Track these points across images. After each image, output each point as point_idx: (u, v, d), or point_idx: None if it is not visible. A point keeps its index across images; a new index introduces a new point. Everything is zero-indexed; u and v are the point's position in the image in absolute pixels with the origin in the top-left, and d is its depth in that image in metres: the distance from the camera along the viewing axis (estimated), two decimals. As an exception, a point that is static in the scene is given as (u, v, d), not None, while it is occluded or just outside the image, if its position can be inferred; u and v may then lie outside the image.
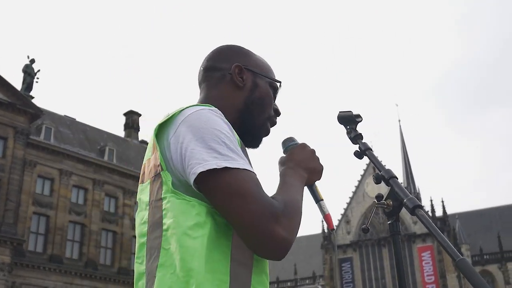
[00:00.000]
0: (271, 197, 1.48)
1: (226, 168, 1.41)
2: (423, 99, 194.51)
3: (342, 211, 71.20)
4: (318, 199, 1.60)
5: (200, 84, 1.85)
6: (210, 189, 1.43)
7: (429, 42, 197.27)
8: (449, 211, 71.69)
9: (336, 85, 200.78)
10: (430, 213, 66.71)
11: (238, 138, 1.56)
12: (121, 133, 52.59)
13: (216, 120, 1.50)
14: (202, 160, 1.42)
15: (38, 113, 38.81)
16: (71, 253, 39.32)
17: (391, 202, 1.56)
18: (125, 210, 43.98)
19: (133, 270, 1.64)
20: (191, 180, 1.43)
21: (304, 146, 1.75)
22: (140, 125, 54.15)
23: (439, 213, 68.14)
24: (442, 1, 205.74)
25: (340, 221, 70.88)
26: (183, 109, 1.56)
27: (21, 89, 39.92)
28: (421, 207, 1.46)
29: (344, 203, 72.11)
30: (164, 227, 1.51)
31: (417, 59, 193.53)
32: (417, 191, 72.61)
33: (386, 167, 1.62)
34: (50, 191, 39.44)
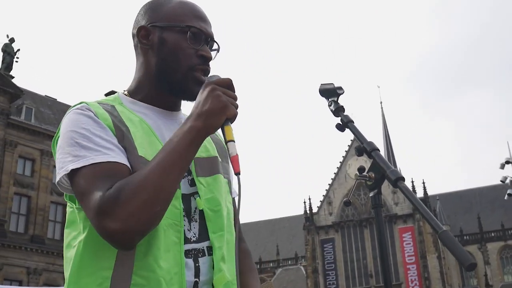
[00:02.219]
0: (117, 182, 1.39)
1: (74, 169, 1.43)
2: (404, 81, 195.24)
3: (324, 193, 71.56)
4: (225, 140, 1.42)
5: None
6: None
7: (408, 26, 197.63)
8: (430, 192, 72.49)
9: (319, 69, 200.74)
10: (411, 195, 67.16)
11: (112, 124, 1.53)
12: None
13: (75, 120, 1.51)
14: (59, 169, 1.47)
15: (18, 93, 38.29)
16: (53, 234, 39.10)
17: (373, 175, 1.54)
18: (107, 191, 43.71)
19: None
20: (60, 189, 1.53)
21: (204, 86, 1.50)
22: (122, 105, 53.69)
23: (420, 194, 68.72)
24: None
25: (322, 202, 71.25)
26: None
27: (1, 69, 39.25)
28: (403, 179, 1.44)
29: (326, 185, 72.51)
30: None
31: (398, 42, 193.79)
32: (399, 173, 73.07)
33: (368, 140, 1.60)
34: (31, 172, 39.07)
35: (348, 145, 71.50)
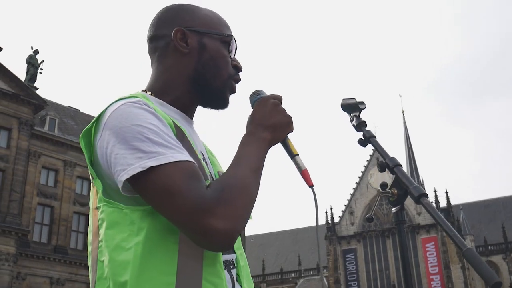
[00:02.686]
0: (211, 183, 1.35)
1: (151, 167, 1.31)
2: (425, 91, 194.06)
3: (346, 203, 71.19)
4: (292, 155, 1.44)
5: (150, 57, 1.72)
6: (141, 191, 1.35)
7: (430, 35, 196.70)
8: (453, 202, 71.78)
9: (340, 79, 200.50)
10: (434, 204, 66.52)
11: (172, 123, 1.46)
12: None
13: (138, 114, 1.39)
14: (126, 165, 1.33)
15: (42, 104, 38.75)
16: (76, 244, 39.40)
17: (396, 191, 1.53)
18: (130, 201, 43.95)
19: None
20: (120, 188, 1.36)
21: (265, 100, 1.54)
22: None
23: (443, 204, 68.06)
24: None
25: (344, 212, 70.88)
26: (107, 108, 1.46)
27: (25, 80, 39.82)
28: (427, 195, 1.44)
29: (348, 195, 72.14)
30: (100, 237, 1.45)
31: (420, 50, 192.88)
32: (421, 182, 72.55)
33: (390, 155, 1.59)
34: (54, 182, 39.48)
35: (370, 155, 71.14)
